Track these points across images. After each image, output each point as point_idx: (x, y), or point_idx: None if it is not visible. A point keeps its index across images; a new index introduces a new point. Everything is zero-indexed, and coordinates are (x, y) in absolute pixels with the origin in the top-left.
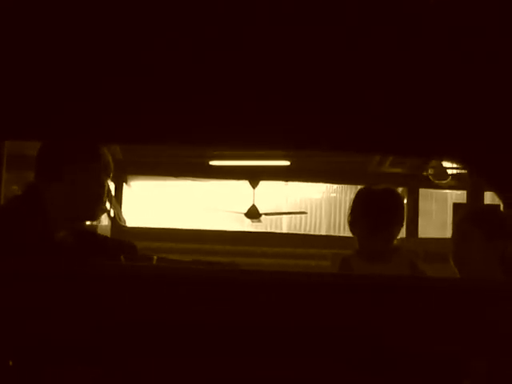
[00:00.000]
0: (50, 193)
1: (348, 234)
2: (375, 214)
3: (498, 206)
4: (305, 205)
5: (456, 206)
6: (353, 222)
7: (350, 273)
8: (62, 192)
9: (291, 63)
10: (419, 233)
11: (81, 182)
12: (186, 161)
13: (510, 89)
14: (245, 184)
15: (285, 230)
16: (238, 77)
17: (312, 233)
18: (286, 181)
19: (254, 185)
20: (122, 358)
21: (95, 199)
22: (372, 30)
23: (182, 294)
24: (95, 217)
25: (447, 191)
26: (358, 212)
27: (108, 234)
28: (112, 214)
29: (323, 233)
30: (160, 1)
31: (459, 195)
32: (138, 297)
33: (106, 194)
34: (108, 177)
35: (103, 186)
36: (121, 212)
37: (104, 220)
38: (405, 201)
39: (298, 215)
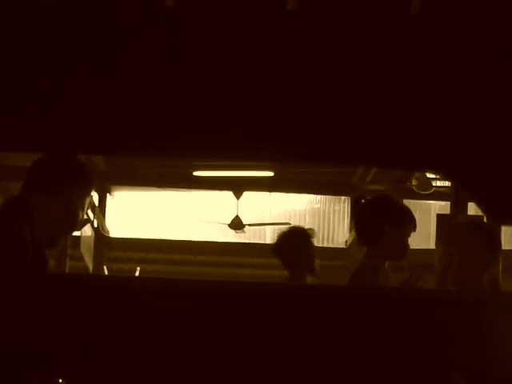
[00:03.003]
0: (41, 206)
1: (331, 244)
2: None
3: (482, 217)
4: (289, 215)
5: (440, 217)
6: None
7: (333, 284)
8: (56, 207)
9: (276, 77)
10: None
11: (71, 200)
12: (169, 171)
13: (494, 102)
14: (229, 195)
15: (268, 241)
16: (223, 90)
17: None
18: (270, 191)
19: (237, 195)
20: (97, 369)
21: (74, 220)
22: (354, 43)
23: (165, 305)
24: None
25: (431, 202)
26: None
27: (91, 244)
28: (95, 225)
29: None
30: (144, 18)
31: (443, 206)
32: (120, 308)
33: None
34: (89, 198)
35: (83, 208)
36: (104, 222)
37: (88, 231)
38: None
39: (282, 226)
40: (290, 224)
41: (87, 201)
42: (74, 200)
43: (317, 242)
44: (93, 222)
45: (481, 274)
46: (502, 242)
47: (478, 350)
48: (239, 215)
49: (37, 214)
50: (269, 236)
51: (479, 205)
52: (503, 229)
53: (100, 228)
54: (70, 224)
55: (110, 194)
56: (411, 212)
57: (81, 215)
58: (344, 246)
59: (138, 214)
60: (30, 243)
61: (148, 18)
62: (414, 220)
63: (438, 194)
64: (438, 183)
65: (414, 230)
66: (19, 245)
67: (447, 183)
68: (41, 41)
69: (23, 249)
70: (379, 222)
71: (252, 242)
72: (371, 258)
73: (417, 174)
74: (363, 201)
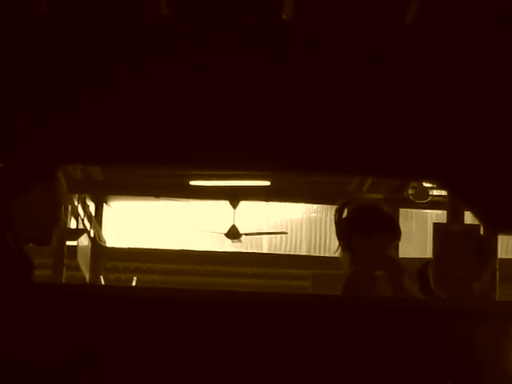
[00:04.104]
0: (16, 206)
1: (328, 254)
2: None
3: (479, 226)
4: (285, 225)
5: (436, 225)
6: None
7: (330, 294)
8: (24, 207)
9: (273, 88)
10: (399, 253)
11: (40, 200)
12: (166, 181)
13: (489, 112)
14: (225, 204)
15: (265, 250)
16: (220, 100)
17: (292, 253)
18: (267, 201)
19: (234, 205)
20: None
21: (53, 220)
22: (350, 54)
23: (162, 315)
24: (49, 241)
25: (427, 211)
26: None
27: (88, 254)
28: (92, 234)
29: (303, 253)
30: (139, 27)
31: (439, 215)
32: (117, 318)
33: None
34: (65, 201)
35: (60, 207)
36: (101, 232)
37: (84, 240)
38: None
39: (279, 235)
40: (286, 233)
41: (63, 189)
42: (44, 193)
43: (313, 251)
44: (89, 231)
45: (471, 284)
46: (499, 251)
47: (469, 358)
48: (236, 224)
49: (16, 215)
50: (265, 245)
51: (475, 214)
52: (502, 238)
53: (97, 238)
54: (53, 216)
55: (106, 203)
56: (391, 221)
57: (61, 205)
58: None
59: (134, 223)
60: (13, 250)
61: (143, 27)
62: (393, 229)
63: (435, 203)
64: (435, 192)
65: (397, 239)
66: (4, 254)
67: (444, 192)
68: (38, 51)
69: (8, 258)
70: (348, 232)
71: (249, 251)
72: (356, 265)
73: (413, 183)
74: (345, 210)
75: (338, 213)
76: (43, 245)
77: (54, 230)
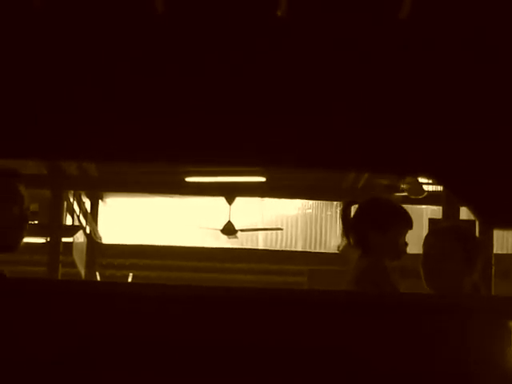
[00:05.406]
0: None
1: (324, 249)
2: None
3: (474, 222)
4: (281, 221)
5: (432, 221)
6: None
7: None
8: None
9: (267, 84)
10: None
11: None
12: (161, 177)
13: (484, 107)
14: (221, 200)
15: (261, 246)
16: (216, 96)
17: (288, 249)
18: (262, 197)
19: (229, 201)
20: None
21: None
22: (345, 50)
23: (158, 311)
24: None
25: (423, 207)
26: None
27: (84, 250)
28: (88, 231)
29: (299, 249)
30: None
31: (435, 211)
32: (112, 314)
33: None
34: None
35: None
36: (96, 229)
37: (80, 237)
38: None
39: (274, 231)
40: (282, 229)
41: (21, 194)
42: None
43: (309, 247)
44: (85, 228)
45: (460, 279)
46: (495, 247)
47: (463, 355)
48: (231, 221)
49: None
50: (261, 241)
51: (470, 209)
52: (497, 233)
53: (92, 234)
54: (18, 226)
55: (102, 200)
56: (403, 211)
57: (25, 212)
58: (336, 251)
59: (130, 220)
60: None
61: (139, 25)
62: (406, 219)
63: (430, 199)
64: (430, 188)
65: (410, 229)
66: None
67: (439, 188)
68: (37, 48)
69: None
70: (363, 228)
71: (244, 247)
72: (368, 259)
73: (409, 179)
74: (353, 206)
75: (346, 210)
76: (9, 251)
77: (21, 235)
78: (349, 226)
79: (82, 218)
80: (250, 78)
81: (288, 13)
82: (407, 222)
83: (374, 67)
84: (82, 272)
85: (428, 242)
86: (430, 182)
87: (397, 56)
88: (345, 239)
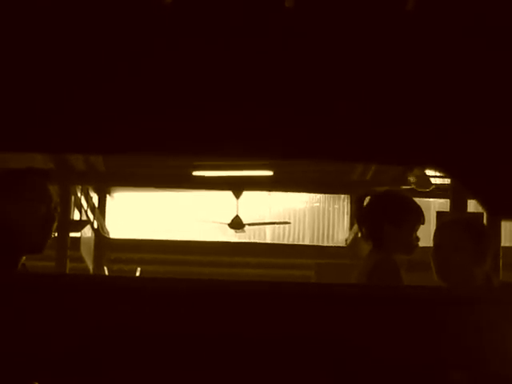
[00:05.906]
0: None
1: (331, 243)
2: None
3: (482, 214)
4: (288, 215)
5: (439, 214)
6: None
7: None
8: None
9: (273, 76)
10: None
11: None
12: (169, 172)
13: (492, 98)
14: (228, 194)
15: (268, 240)
16: (221, 88)
17: (296, 242)
18: (270, 191)
19: (237, 195)
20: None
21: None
22: (351, 41)
23: (166, 305)
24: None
25: (430, 200)
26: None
27: (92, 245)
28: (95, 226)
29: (307, 242)
30: (141, 16)
31: (442, 204)
32: (120, 308)
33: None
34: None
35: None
36: (104, 223)
37: (88, 232)
38: None
39: (282, 225)
40: (289, 223)
41: (52, 198)
42: (32, 203)
43: (316, 240)
44: (93, 223)
45: (471, 271)
46: (503, 240)
47: (476, 347)
48: (239, 215)
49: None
50: (269, 235)
51: (478, 201)
52: (505, 226)
53: (100, 229)
54: (44, 226)
55: (109, 194)
56: (416, 206)
57: (52, 211)
58: (344, 245)
59: (137, 214)
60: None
61: (144, 17)
62: (419, 214)
63: (438, 192)
64: (438, 181)
65: (423, 224)
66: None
67: (446, 180)
68: (40, 42)
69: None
70: (378, 221)
71: (252, 241)
72: (380, 254)
73: (416, 172)
74: (366, 199)
75: (360, 203)
76: (36, 253)
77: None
78: (363, 218)
79: (89, 212)
80: (258, 70)
81: (294, 4)
82: (421, 217)
83: (382, 57)
84: (90, 267)
85: (439, 233)
86: (438, 174)
87: (404, 47)
88: (352, 233)
